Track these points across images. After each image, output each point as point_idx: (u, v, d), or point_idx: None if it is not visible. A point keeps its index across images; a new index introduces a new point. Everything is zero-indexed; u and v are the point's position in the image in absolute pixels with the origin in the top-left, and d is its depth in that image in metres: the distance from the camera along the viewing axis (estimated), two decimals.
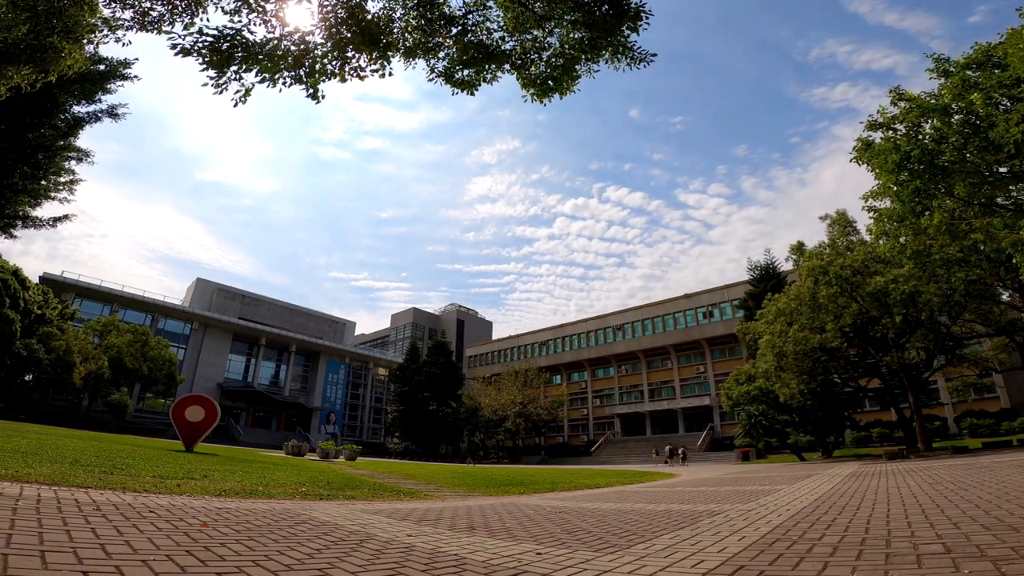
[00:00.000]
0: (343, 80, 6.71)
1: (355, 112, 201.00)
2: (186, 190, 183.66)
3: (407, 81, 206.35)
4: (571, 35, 6.74)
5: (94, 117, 25.25)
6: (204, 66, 6.35)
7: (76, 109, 24.92)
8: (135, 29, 6.58)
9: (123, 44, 6.82)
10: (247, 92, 6.47)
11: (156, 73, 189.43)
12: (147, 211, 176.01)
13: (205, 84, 6.39)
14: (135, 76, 24.81)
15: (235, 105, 6.51)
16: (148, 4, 6.46)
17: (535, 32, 6.79)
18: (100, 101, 24.95)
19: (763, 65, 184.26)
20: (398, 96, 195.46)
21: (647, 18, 6.49)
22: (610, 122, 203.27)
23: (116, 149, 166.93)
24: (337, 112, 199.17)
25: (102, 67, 23.86)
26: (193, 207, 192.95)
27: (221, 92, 6.42)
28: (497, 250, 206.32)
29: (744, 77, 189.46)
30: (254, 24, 6.56)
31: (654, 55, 6.74)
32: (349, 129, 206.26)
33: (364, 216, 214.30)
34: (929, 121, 19.19)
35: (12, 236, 28.30)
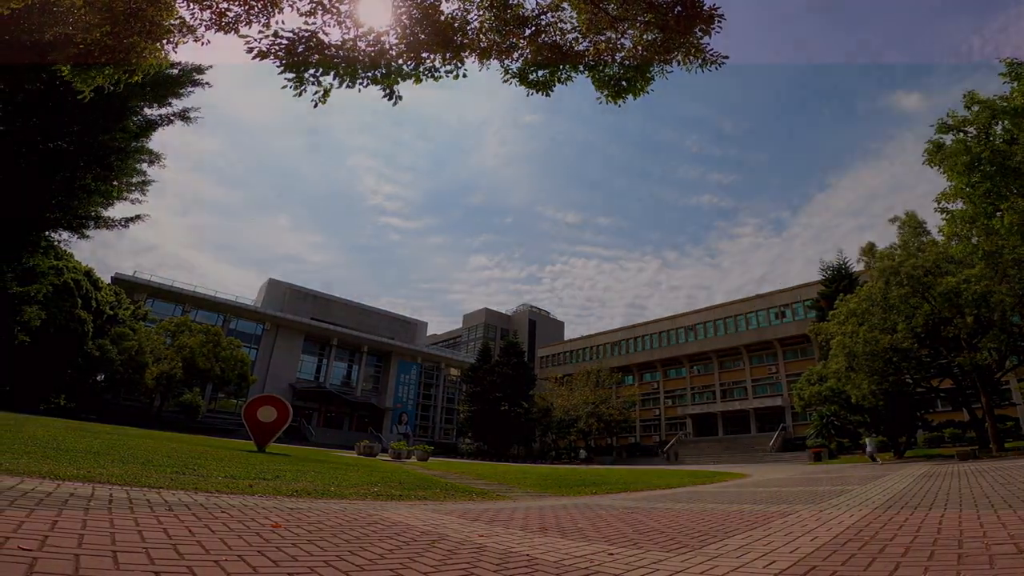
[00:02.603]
0: (417, 81, 6.79)
1: (377, 220, 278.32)
2: (267, 259, 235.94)
3: (407, 205, 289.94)
4: (644, 36, 6.65)
5: (166, 120, 26.18)
6: (282, 68, 6.50)
7: (147, 112, 25.94)
8: (212, 30, 6.69)
9: (202, 43, 6.95)
10: (326, 93, 6.60)
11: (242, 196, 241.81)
12: (239, 272, 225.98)
13: (285, 86, 6.54)
14: (207, 83, 25.66)
15: (315, 106, 6.66)
16: (225, 5, 6.62)
17: (608, 33, 6.73)
18: (171, 104, 25.90)
19: (649, 186, 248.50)
20: (404, 211, 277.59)
21: (720, 21, 6.35)
22: (555, 225, 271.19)
23: (222, 239, 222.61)
24: (367, 221, 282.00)
25: (175, 71, 24.74)
26: (272, 268, 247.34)
27: (300, 94, 6.55)
28: (507, 297, 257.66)
29: (640, 194, 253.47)
30: (328, 26, 6.64)
31: (726, 57, 6.56)
32: (375, 228, 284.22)
33: (398, 277, 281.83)
34: (1000, 123, 19.02)
35: (84, 236, 29.43)
